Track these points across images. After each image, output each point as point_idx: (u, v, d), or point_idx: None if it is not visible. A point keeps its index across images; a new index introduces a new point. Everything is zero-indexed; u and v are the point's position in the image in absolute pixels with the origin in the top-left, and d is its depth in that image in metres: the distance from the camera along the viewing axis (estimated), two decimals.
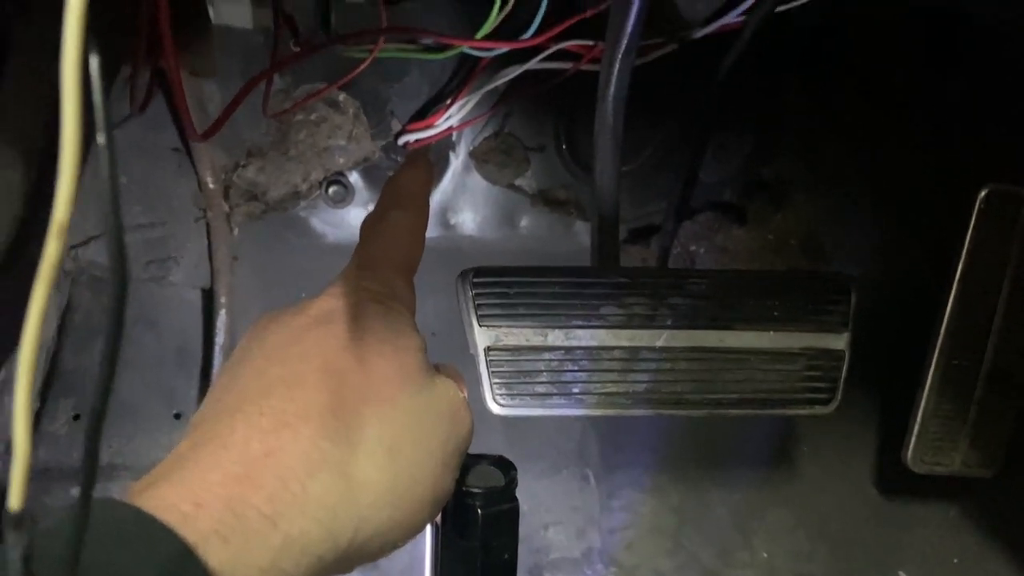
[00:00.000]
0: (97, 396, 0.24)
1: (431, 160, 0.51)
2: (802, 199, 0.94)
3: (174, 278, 0.85)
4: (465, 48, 0.80)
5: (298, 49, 0.75)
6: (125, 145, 0.78)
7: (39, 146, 0.41)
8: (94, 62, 0.23)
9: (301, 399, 0.33)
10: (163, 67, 0.66)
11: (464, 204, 0.94)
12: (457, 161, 0.91)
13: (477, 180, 0.93)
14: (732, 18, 0.79)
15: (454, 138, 0.90)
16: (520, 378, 0.65)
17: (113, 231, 0.23)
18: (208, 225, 0.84)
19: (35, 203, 0.42)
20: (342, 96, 0.84)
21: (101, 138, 0.23)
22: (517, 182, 0.94)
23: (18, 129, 0.41)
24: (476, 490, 0.46)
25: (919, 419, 0.74)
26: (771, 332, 0.65)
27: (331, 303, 0.39)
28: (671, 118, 0.91)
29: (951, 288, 0.72)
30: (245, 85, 0.63)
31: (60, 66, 0.23)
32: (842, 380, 0.65)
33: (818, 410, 0.65)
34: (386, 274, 0.42)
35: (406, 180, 0.50)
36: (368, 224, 0.47)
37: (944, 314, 0.72)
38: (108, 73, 0.49)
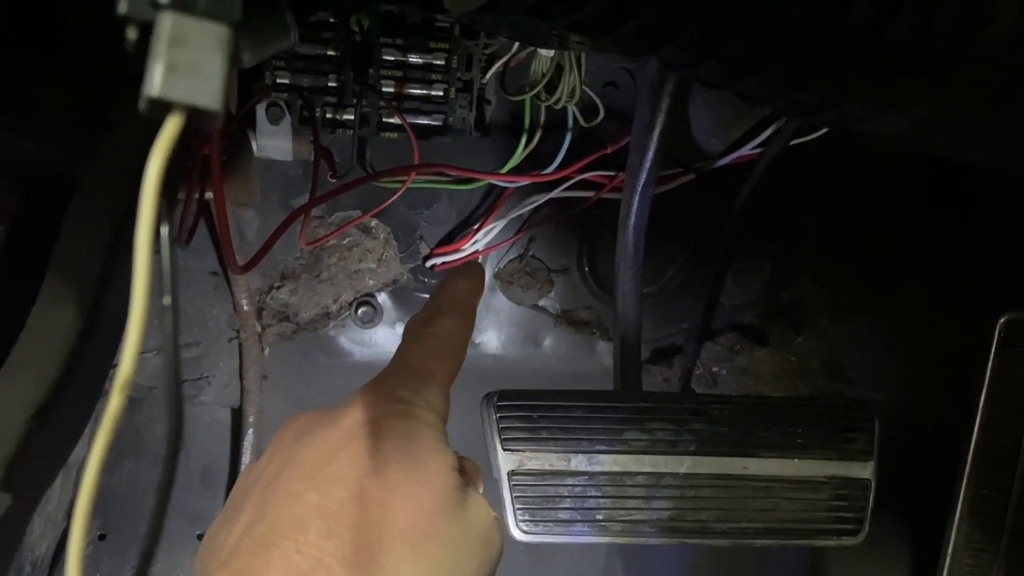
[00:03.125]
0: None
1: (483, 271, 0.47)
2: (822, 322, 0.95)
3: (205, 397, 0.86)
4: (491, 180, 0.84)
5: (335, 180, 0.80)
6: None
7: (93, 286, 0.43)
8: (164, 231, 0.25)
9: (338, 535, 0.33)
10: (208, 198, 0.70)
11: (489, 324, 0.96)
12: None
13: (502, 301, 0.95)
14: (748, 150, 0.83)
15: (480, 260, 0.93)
16: (543, 504, 0.65)
17: (172, 398, 0.24)
18: (240, 345, 0.86)
19: (85, 339, 0.44)
20: (374, 222, 0.88)
21: (167, 300, 0.25)
22: (541, 303, 0.96)
23: (74, 271, 0.43)
24: None
25: (950, 550, 0.73)
26: (795, 460, 0.65)
27: (365, 414, 0.38)
28: (691, 243, 0.94)
29: (975, 416, 0.72)
30: (285, 219, 0.67)
31: (134, 235, 0.25)
32: (869, 510, 0.64)
33: (846, 541, 0.64)
34: (425, 384, 0.41)
35: (460, 288, 0.47)
36: (414, 328, 0.45)
37: (970, 443, 0.72)
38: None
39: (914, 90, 0.35)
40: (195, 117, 0.25)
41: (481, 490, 0.43)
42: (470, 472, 0.43)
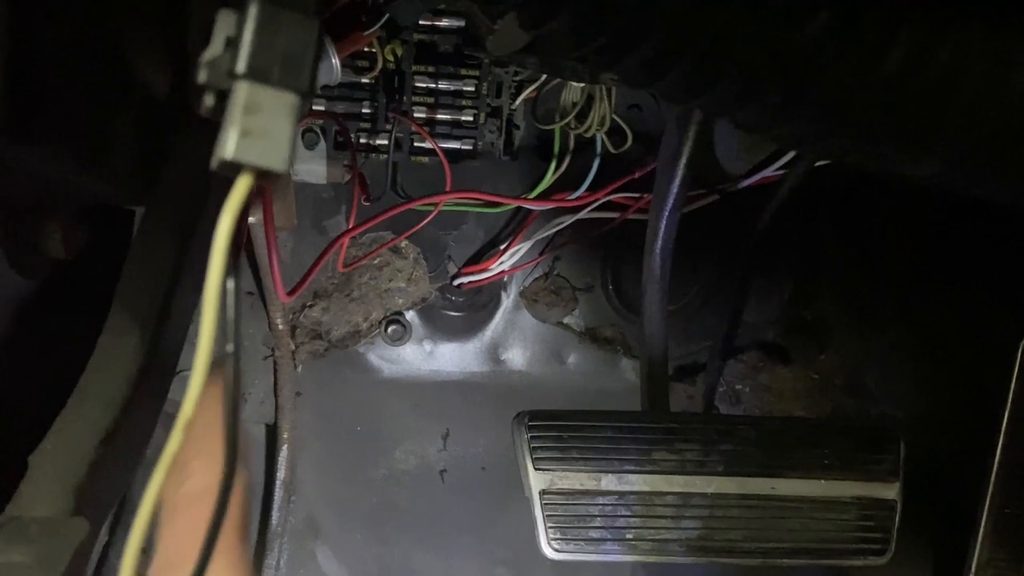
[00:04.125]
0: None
1: None
2: (844, 340, 0.96)
3: (242, 414, 0.88)
4: (520, 205, 0.86)
5: (368, 203, 0.82)
6: None
7: (154, 318, 0.45)
8: (230, 285, 0.27)
9: None
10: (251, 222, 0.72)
11: (514, 341, 0.97)
12: (508, 300, 0.96)
13: (527, 318, 0.97)
14: (771, 171, 0.84)
15: (506, 279, 0.95)
16: (574, 522, 0.67)
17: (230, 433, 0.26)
18: (275, 363, 0.88)
19: (146, 368, 0.46)
20: (404, 242, 0.90)
21: (230, 347, 0.27)
22: (566, 320, 0.98)
23: (136, 305, 0.45)
24: None
25: (973, 569, 0.73)
26: (821, 480, 0.66)
27: None
28: (714, 261, 0.95)
29: (999, 436, 0.72)
30: (327, 247, 0.69)
31: (203, 290, 0.27)
32: (895, 530, 0.66)
33: (872, 560, 0.66)
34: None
35: None
36: None
37: (993, 462, 0.72)
38: None
39: (943, 138, 0.37)
40: (262, 176, 0.27)
41: None
42: None
